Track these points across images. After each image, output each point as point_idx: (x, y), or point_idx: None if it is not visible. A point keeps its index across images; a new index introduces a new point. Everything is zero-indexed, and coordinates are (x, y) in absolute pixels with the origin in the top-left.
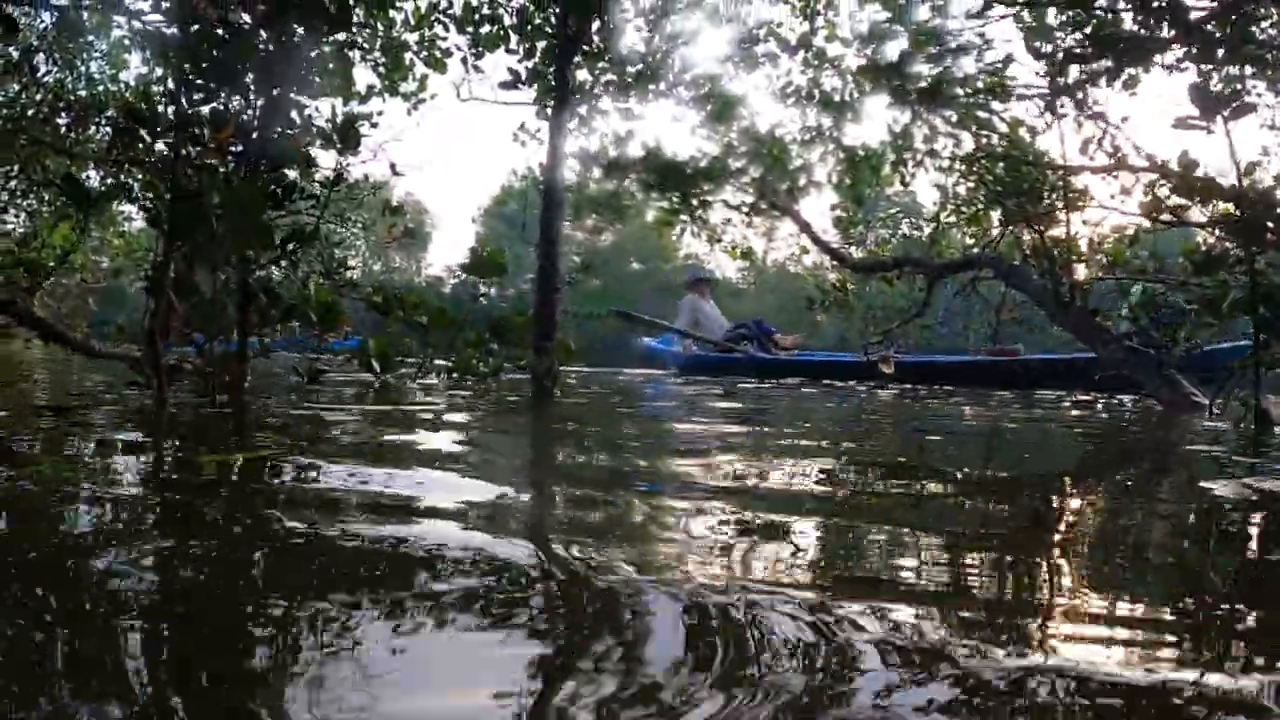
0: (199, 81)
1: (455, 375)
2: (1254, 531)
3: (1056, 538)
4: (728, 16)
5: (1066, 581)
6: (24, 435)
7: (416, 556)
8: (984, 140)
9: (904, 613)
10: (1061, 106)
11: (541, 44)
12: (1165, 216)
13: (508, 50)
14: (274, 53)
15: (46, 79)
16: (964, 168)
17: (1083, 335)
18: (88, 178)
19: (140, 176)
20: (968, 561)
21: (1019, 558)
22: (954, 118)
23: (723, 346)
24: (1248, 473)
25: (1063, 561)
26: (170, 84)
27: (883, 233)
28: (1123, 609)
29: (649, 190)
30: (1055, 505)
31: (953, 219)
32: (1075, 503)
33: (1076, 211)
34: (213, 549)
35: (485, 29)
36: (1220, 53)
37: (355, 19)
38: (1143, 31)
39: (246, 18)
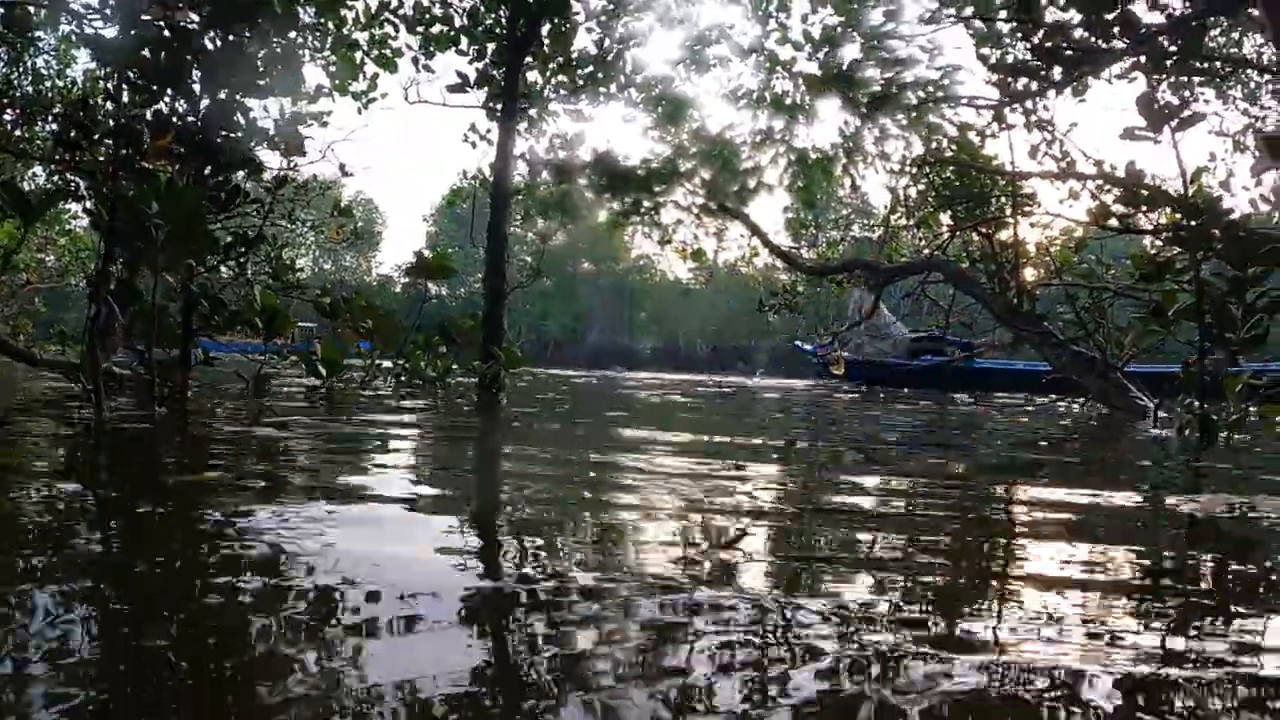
0: (142, 83)
1: (403, 379)
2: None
3: None
4: (679, 19)
5: None
6: None
7: None
8: (934, 144)
9: None
10: (1011, 113)
11: (492, 46)
12: (1112, 223)
13: (458, 51)
14: (219, 54)
15: None
16: (914, 171)
17: (1030, 340)
18: (34, 174)
19: (83, 181)
20: None
21: None
22: (904, 121)
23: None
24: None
25: None
26: (112, 88)
27: (834, 234)
28: None
29: (599, 193)
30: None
31: (903, 221)
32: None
33: (1025, 216)
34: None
35: (436, 29)
36: (1169, 64)
37: (305, 19)
38: (1095, 41)
39: (195, 17)
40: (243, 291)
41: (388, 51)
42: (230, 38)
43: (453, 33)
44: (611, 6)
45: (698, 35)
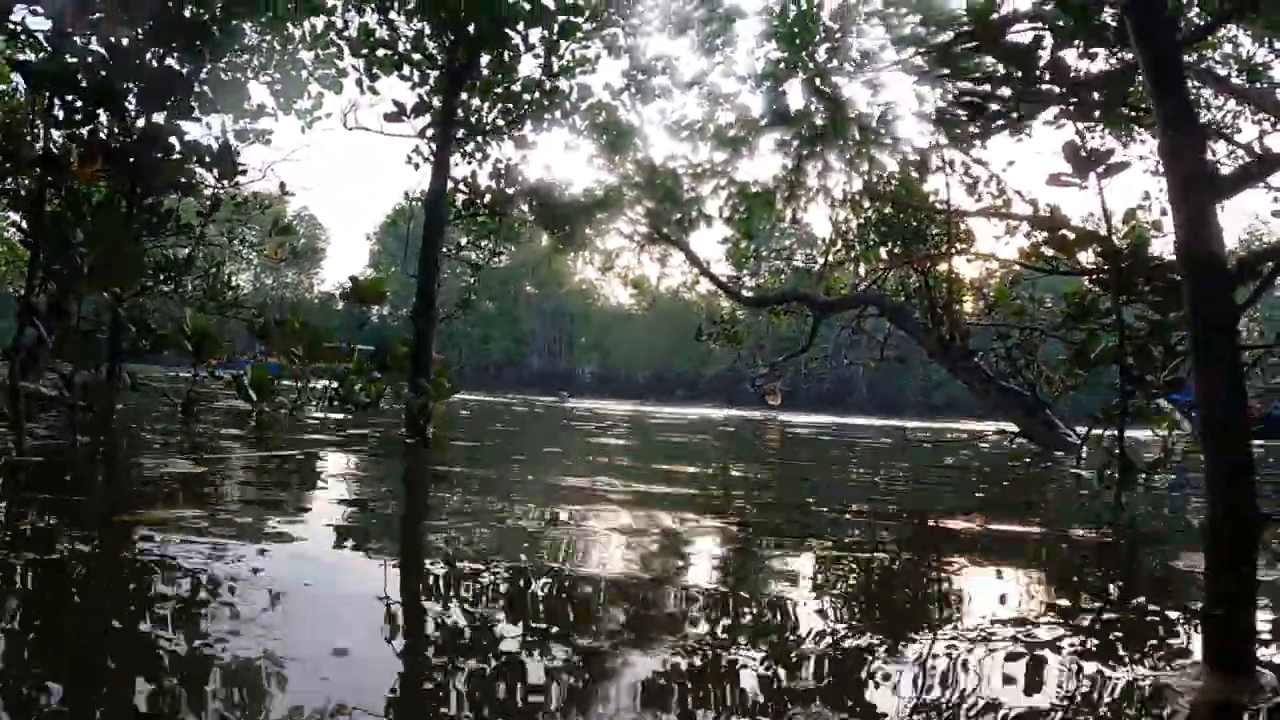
0: (77, 104)
1: (336, 403)
2: None
3: None
4: (625, 48)
5: None
6: None
7: None
8: (872, 180)
9: None
10: (941, 158)
11: (434, 73)
12: (1042, 264)
13: (401, 76)
14: (156, 74)
15: None
16: (853, 206)
17: (960, 375)
18: None
19: (10, 203)
20: None
21: None
22: (846, 156)
23: None
24: None
25: None
26: (37, 110)
27: (777, 263)
28: None
29: (539, 221)
30: None
31: (843, 254)
32: None
33: (960, 253)
34: None
35: (381, 53)
36: (1097, 113)
37: (249, 39)
38: (1023, 89)
39: (139, 32)
40: (176, 313)
41: (332, 72)
42: (175, 56)
43: (396, 57)
44: (554, 37)
45: (642, 65)
